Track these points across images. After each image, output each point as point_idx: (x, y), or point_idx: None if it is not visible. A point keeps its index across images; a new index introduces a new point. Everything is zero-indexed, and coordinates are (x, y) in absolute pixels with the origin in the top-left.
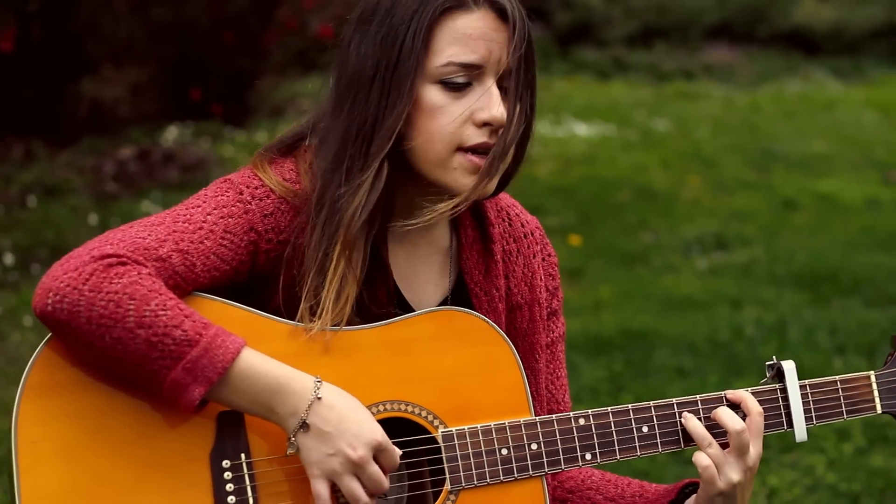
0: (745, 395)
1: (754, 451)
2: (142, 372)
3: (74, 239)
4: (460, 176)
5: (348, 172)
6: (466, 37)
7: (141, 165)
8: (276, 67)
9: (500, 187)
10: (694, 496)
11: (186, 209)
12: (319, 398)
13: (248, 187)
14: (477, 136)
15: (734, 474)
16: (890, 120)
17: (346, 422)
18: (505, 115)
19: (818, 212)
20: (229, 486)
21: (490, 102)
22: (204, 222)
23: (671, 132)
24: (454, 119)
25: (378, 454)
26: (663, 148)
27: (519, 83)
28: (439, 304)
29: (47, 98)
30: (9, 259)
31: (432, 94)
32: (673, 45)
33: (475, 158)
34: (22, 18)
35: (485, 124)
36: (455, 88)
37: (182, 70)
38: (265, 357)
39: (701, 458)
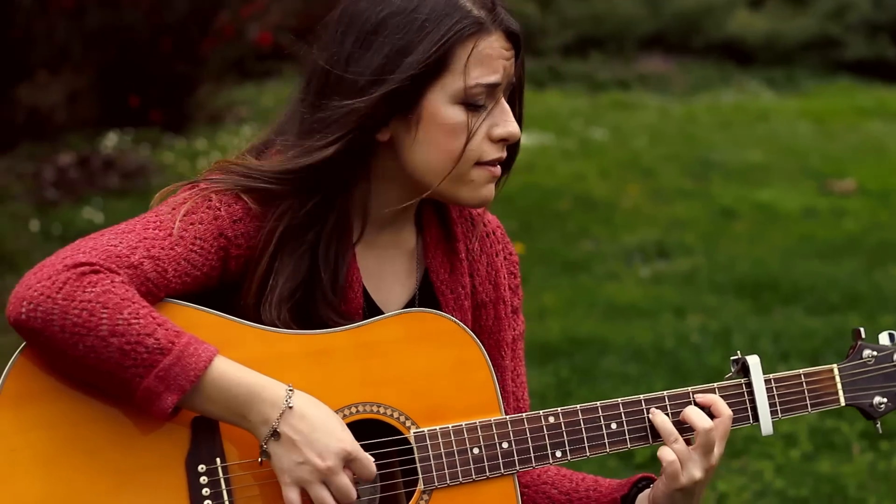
0: (715, 399)
1: (718, 451)
2: (115, 380)
3: (15, 245)
4: (477, 187)
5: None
6: (489, 58)
7: (81, 172)
8: (214, 75)
9: None
10: (647, 490)
11: (157, 216)
12: (291, 407)
13: (216, 193)
14: (494, 152)
15: (697, 471)
16: (824, 130)
17: (317, 431)
18: (519, 131)
19: (757, 221)
20: (205, 491)
21: (506, 119)
22: (174, 228)
23: (608, 141)
24: (476, 137)
25: (349, 463)
26: (601, 157)
27: (521, 97)
28: (406, 305)
29: None
30: None
31: (454, 114)
32: (608, 55)
33: (493, 168)
34: None
35: (501, 140)
36: (476, 109)
37: (120, 77)
38: (238, 365)
39: (666, 454)
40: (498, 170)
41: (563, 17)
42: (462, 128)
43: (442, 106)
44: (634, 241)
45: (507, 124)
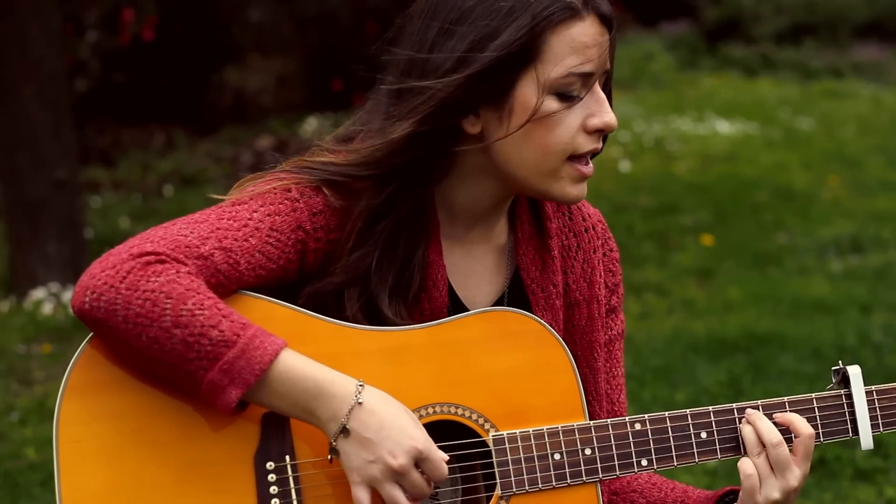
0: (792, 419)
1: (800, 472)
2: (179, 372)
3: None
4: (566, 185)
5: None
6: (582, 45)
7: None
8: None
9: None
10: None
11: (232, 206)
12: (360, 403)
13: (296, 184)
14: (588, 144)
15: (774, 492)
16: None
17: (387, 428)
18: (615, 121)
19: None
20: (273, 489)
21: (602, 109)
22: (249, 220)
23: (815, 131)
24: (571, 129)
25: (420, 462)
26: (806, 147)
27: (610, 83)
28: (495, 302)
29: (190, 87)
30: None
31: (548, 105)
32: (822, 42)
33: (580, 167)
34: (163, 7)
35: (597, 131)
36: (570, 99)
37: (324, 61)
38: (306, 359)
39: (746, 466)
40: (590, 169)
41: (777, 3)
42: (555, 120)
43: (534, 96)
44: (830, 235)
45: (604, 114)
